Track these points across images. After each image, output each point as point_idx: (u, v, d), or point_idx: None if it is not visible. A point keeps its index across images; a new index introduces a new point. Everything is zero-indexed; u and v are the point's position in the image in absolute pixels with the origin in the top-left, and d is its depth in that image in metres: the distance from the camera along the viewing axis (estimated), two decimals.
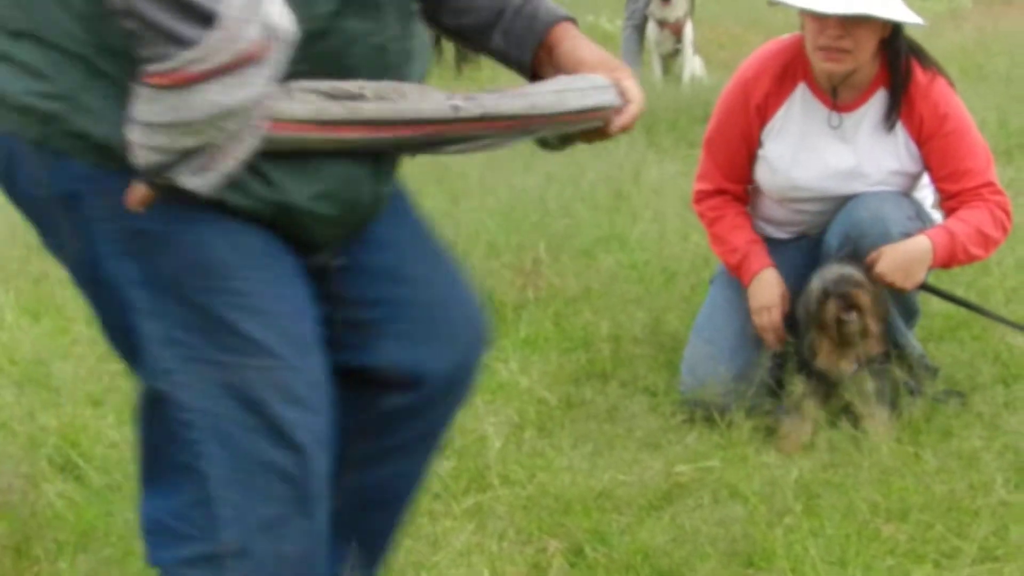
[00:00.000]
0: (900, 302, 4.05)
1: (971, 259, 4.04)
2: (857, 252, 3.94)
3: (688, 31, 10.24)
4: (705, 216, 4.27)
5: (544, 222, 5.78)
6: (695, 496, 3.60)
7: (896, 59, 4.02)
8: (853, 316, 3.86)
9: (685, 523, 3.41)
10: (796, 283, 4.10)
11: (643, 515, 3.49)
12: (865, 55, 3.95)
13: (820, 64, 3.98)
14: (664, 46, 10.32)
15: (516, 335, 4.77)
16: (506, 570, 3.25)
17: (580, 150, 7.12)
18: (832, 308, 3.87)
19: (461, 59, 11.62)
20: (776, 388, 4.04)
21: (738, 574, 3.20)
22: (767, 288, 4.11)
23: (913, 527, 3.40)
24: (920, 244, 3.94)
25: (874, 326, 3.89)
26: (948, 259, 3.97)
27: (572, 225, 5.77)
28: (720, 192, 4.23)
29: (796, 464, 3.73)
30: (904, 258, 3.91)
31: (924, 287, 4.05)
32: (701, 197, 4.28)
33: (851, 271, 3.88)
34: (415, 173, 6.64)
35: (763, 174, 4.17)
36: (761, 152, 4.15)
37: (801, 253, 4.20)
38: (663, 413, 4.12)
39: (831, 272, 3.91)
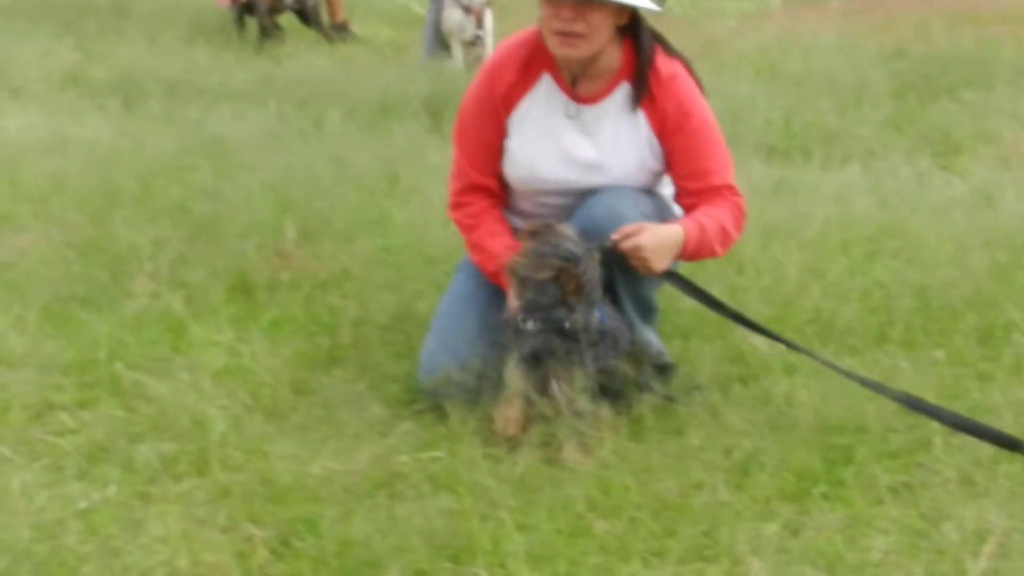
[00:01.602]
0: (637, 298, 4.04)
1: (712, 255, 4.05)
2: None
3: (488, 19, 10.17)
4: (462, 224, 4.19)
5: (309, 202, 5.68)
6: (415, 487, 3.55)
7: (639, 49, 4.01)
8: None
9: (399, 514, 3.36)
10: None
11: (358, 505, 3.43)
12: (600, 39, 3.92)
13: (556, 49, 3.95)
14: (465, 32, 10.22)
15: (264, 317, 4.68)
16: (207, 558, 3.17)
17: (359, 130, 7.00)
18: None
19: (264, 35, 11.46)
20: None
21: (439, 568, 3.15)
22: None
23: (626, 524, 3.38)
24: (674, 231, 3.93)
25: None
26: (695, 252, 3.97)
27: (335, 207, 5.67)
28: (474, 188, 4.16)
29: (521, 459, 3.69)
30: (660, 239, 3.90)
31: (671, 276, 4.04)
32: (457, 202, 4.19)
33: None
34: (187, 148, 6.53)
35: (508, 165, 4.13)
36: (506, 143, 4.11)
37: None
38: (398, 402, 4.07)
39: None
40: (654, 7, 3.93)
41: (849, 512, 3.47)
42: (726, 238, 4.04)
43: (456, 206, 4.21)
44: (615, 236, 3.87)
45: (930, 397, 3.94)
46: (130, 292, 4.77)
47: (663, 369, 4.11)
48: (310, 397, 4.09)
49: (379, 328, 4.56)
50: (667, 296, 4.57)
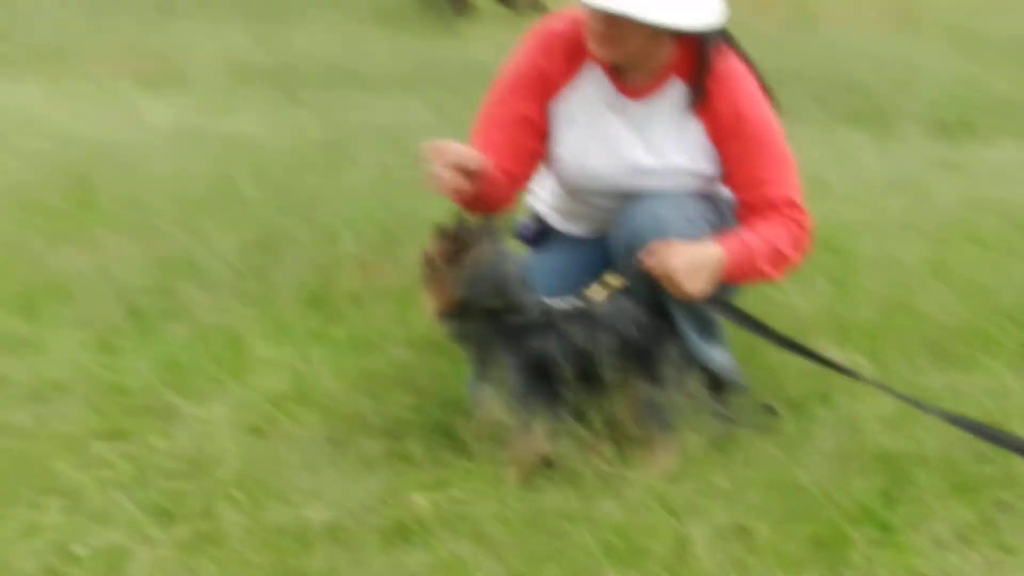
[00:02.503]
0: (688, 310, 3.68)
1: (763, 277, 3.68)
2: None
3: None
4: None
5: (398, 204, 5.40)
6: (425, 532, 3.27)
7: (701, 48, 3.67)
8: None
9: (402, 563, 3.09)
10: (592, 281, 3.73)
11: (368, 553, 3.15)
12: (631, 48, 3.61)
13: (590, 45, 3.66)
14: None
15: (333, 335, 4.44)
16: None
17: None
18: None
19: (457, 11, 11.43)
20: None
21: None
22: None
23: None
24: (709, 250, 3.57)
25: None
26: (739, 272, 3.61)
27: (428, 208, 5.37)
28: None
29: (545, 494, 3.39)
30: (693, 260, 3.54)
31: (716, 303, 3.67)
32: None
33: None
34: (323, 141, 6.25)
35: (556, 162, 3.84)
36: (553, 133, 3.81)
37: (601, 252, 3.82)
38: (449, 432, 3.76)
39: None
40: (683, 22, 3.55)
41: (899, 559, 3.10)
42: (779, 259, 3.67)
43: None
44: (642, 255, 3.54)
45: None
46: (198, 305, 4.59)
47: (726, 387, 3.75)
48: (352, 424, 3.81)
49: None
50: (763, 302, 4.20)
